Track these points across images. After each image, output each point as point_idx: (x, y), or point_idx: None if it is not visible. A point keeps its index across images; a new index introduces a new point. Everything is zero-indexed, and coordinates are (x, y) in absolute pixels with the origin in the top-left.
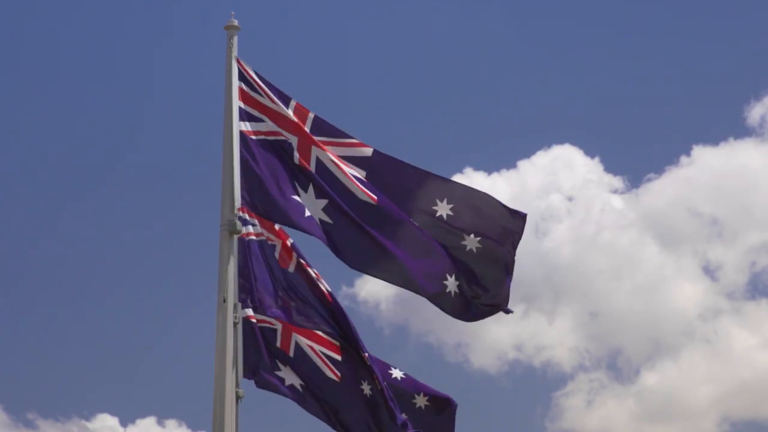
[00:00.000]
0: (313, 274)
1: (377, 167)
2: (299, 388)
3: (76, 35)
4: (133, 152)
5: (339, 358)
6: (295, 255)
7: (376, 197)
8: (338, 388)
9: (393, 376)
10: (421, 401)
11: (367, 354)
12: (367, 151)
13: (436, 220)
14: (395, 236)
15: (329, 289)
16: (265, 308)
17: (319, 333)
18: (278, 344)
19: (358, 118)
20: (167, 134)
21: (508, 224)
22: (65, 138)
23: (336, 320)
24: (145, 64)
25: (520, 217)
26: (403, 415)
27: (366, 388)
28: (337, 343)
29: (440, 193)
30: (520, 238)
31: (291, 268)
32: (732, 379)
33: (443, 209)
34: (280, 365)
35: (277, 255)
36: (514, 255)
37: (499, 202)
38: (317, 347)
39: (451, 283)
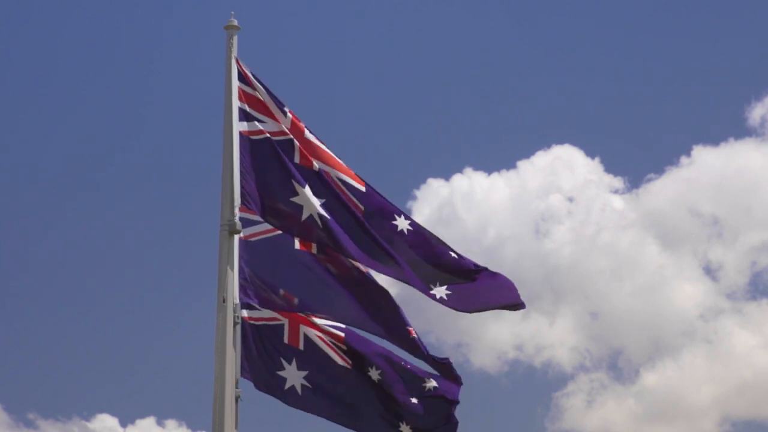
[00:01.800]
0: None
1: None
2: (299, 389)
3: (75, 35)
4: (133, 152)
5: (345, 348)
6: (312, 241)
7: (363, 208)
8: (351, 375)
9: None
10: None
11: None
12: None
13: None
14: (378, 252)
15: (358, 266)
16: (271, 305)
17: (324, 326)
18: (286, 340)
19: (357, 118)
20: (167, 134)
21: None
22: (65, 138)
23: (361, 299)
24: (145, 64)
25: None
26: (414, 400)
27: (374, 374)
28: (342, 334)
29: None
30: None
31: (314, 249)
32: (732, 379)
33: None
34: (285, 364)
35: (297, 242)
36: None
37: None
38: (326, 337)
39: (439, 291)
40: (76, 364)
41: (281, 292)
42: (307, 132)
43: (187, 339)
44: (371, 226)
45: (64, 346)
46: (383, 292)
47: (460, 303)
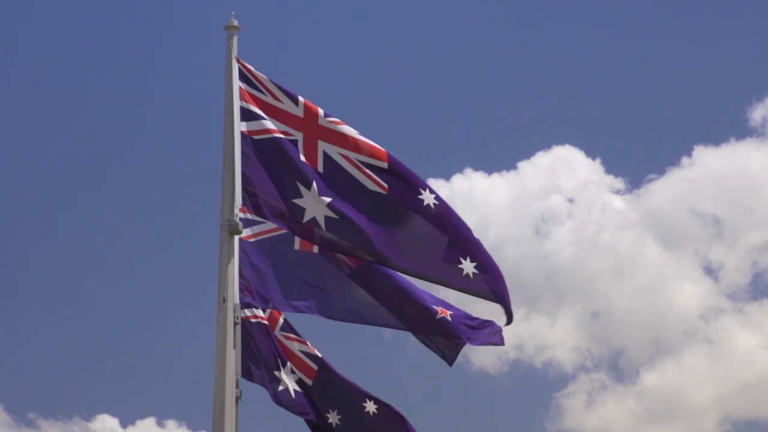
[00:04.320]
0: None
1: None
2: (292, 393)
3: (76, 35)
4: (133, 152)
5: (310, 383)
6: (314, 243)
7: (387, 186)
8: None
9: (366, 410)
10: None
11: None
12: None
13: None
14: (405, 227)
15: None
16: (266, 305)
17: (300, 354)
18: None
19: (357, 119)
20: (167, 134)
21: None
22: (65, 138)
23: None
24: (145, 64)
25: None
26: None
27: (333, 418)
28: (315, 367)
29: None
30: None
31: (315, 249)
32: (733, 380)
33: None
34: (281, 365)
35: (297, 243)
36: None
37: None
38: (295, 369)
39: (467, 266)
40: (76, 364)
41: (270, 304)
42: (321, 116)
43: (187, 339)
44: (396, 207)
45: (64, 346)
46: (394, 284)
47: (487, 283)
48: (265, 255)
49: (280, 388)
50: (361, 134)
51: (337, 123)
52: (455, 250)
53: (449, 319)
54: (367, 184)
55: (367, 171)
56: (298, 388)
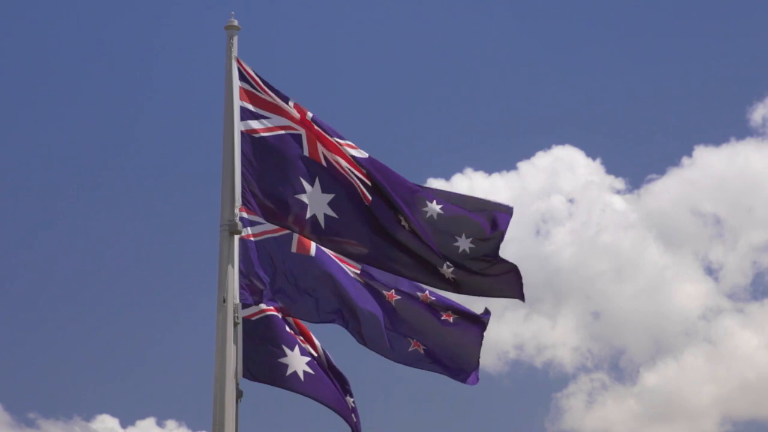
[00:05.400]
0: (335, 257)
1: (373, 168)
2: (301, 375)
3: (76, 34)
4: (133, 152)
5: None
6: (314, 241)
7: (370, 198)
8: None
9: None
10: None
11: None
12: (364, 153)
13: (427, 221)
14: (388, 236)
15: (356, 270)
16: (267, 300)
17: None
18: (288, 329)
19: (358, 118)
20: (167, 134)
21: (496, 219)
22: (64, 138)
23: (352, 305)
24: (145, 64)
25: (506, 211)
26: None
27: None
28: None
29: (429, 195)
30: (504, 231)
31: (312, 252)
32: (734, 380)
33: (433, 210)
34: (287, 350)
35: (294, 245)
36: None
37: (486, 201)
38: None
39: (446, 271)
40: (76, 364)
41: (271, 296)
42: (312, 124)
43: (187, 339)
44: (378, 220)
45: (64, 346)
46: (379, 302)
47: (465, 285)
48: (265, 254)
49: (287, 373)
50: (347, 148)
51: (325, 132)
52: (435, 257)
53: (421, 352)
54: (357, 189)
55: (355, 180)
56: (309, 370)
